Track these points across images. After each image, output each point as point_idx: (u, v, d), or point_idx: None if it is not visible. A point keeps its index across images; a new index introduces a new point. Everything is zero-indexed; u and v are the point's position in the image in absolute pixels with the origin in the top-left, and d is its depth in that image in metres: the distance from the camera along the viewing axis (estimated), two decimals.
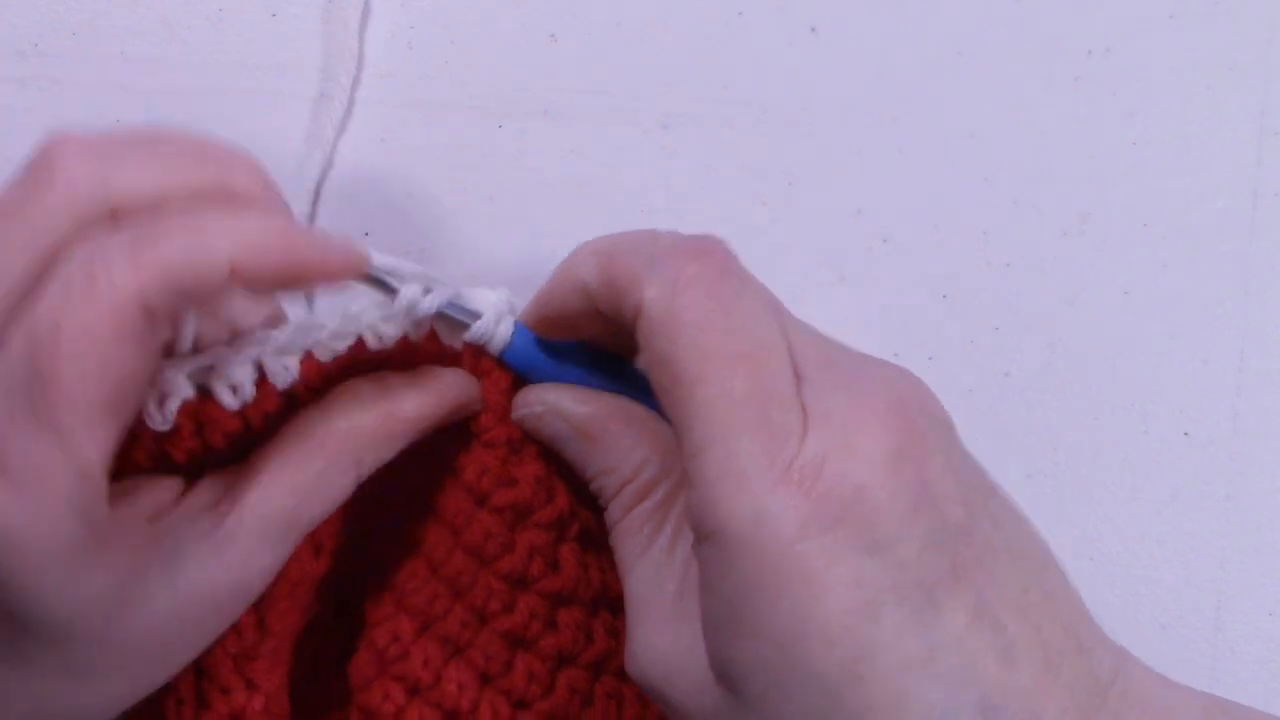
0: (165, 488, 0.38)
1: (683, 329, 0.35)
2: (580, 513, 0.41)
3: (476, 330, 0.40)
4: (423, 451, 0.42)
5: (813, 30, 0.52)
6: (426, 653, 0.41)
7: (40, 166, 0.34)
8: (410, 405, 0.40)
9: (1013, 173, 0.52)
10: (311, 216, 0.49)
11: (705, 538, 0.34)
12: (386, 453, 0.39)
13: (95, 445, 0.32)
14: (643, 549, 0.38)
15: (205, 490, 0.38)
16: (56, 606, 0.33)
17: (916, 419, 0.34)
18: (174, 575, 0.36)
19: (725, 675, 0.34)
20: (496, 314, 0.40)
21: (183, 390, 0.38)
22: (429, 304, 0.39)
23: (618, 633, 0.41)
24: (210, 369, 0.38)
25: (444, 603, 0.41)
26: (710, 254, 0.36)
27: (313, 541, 0.41)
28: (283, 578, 0.40)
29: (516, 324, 0.40)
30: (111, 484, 0.34)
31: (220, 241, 0.33)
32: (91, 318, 0.32)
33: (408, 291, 0.39)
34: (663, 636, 0.36)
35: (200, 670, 0.40)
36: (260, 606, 0.40)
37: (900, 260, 0.51)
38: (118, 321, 0.32)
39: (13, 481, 0.32)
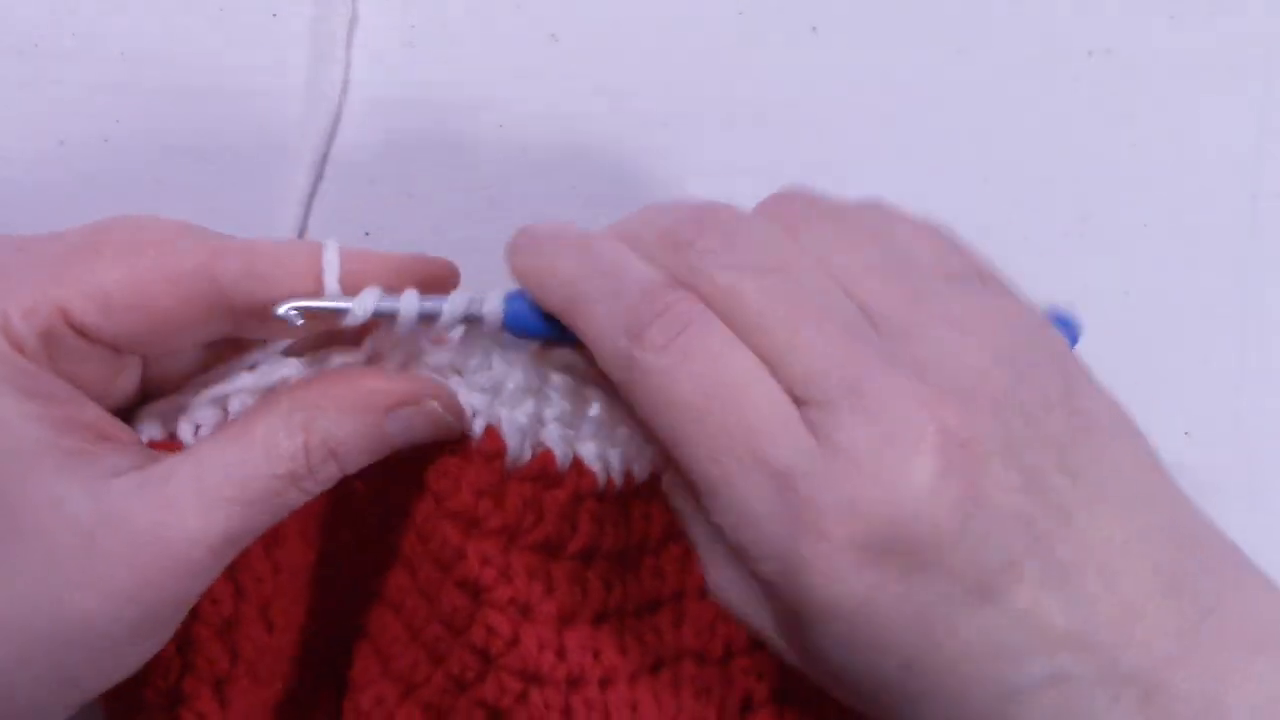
0: (121, 428, 0.38)
1: (646, 398, 0.35)
2: (559, 591, 0.40)
3: (467, 308, 0.38)
4: (397, 506, 0.41)
5: (813, 30, 0.52)
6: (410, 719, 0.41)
7: None
8: (371, 379, 0.38)
9: (1013, 173, 0.52)
10: (303, 227, 0.49)
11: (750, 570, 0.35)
12: (344, 428, 0.37)
13: (69, 303, 0.36)
14: (694, 503, 0.37)
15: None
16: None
17: (964, 427, 0.33)
18: (102, 488, 0.35)
19: (793, 648, 0.36)
20: (466, 299, 0.38)
21: (149, 432, 0.39)
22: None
23: (604, 708, 0.40)
24: (180, 410, 0.39)
25: (424, 670, 0.41)
26: (667, 308, 0.35)
27: (264, 618, 0.41)
28: (239, 657, 0.40)
29: (508, 295, 0.38)
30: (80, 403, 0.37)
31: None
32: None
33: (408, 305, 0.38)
34: (730, 574, 0.36)
35: None
36: (220, 686, 0.40)
37: None
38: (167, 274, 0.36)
39: None
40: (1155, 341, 0.52)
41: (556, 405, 0.41)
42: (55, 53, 0.50)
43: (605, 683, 0.40)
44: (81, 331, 0.36)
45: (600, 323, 0.35)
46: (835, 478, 0.33)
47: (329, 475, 0.38)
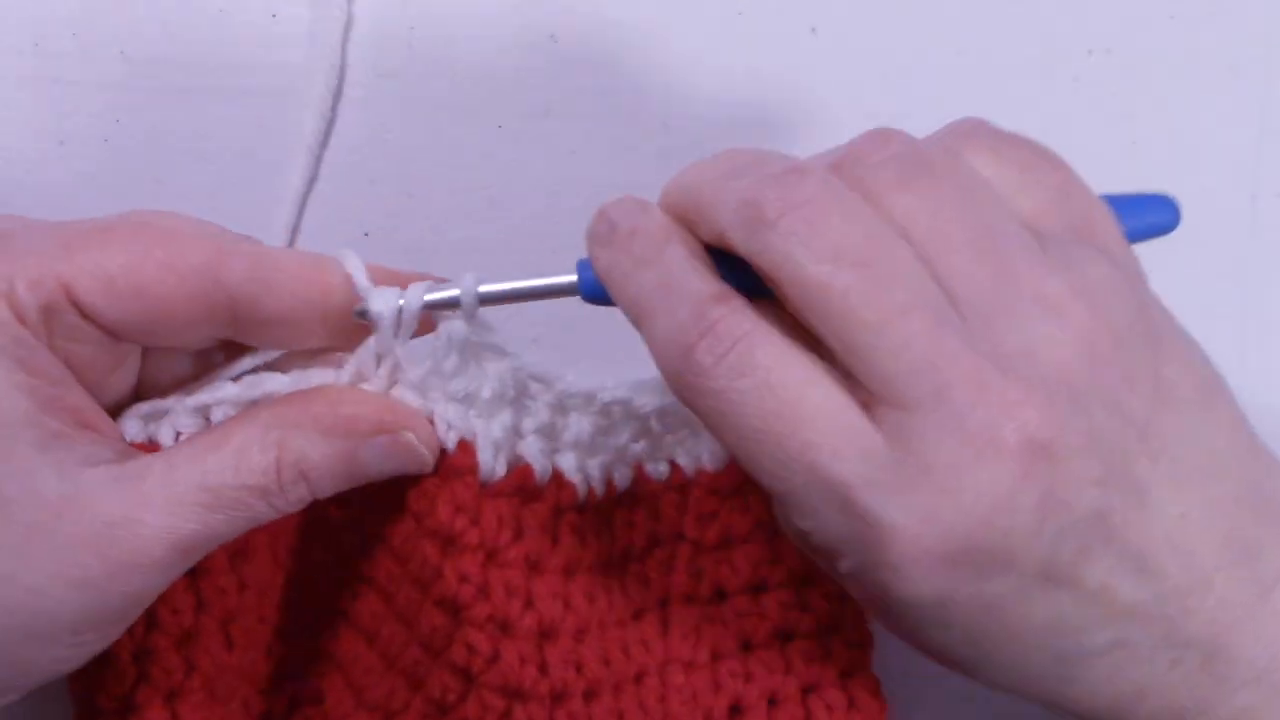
0: (104, 420, 0.38)
1: (704, 418, 0.35)
2: (539, 607, 0.40)
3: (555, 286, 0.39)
4: (369, 532, 0.41)
5: (813, 30, 0.52)
6: None
7: None
8: (351, 404, 0.38)
9: None
10: (294, 230, 0.49)
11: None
12: (317, 450, 0.37)
13: (74, 279, 0.36)
14: None
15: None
16: None
17: (1046, 427, 0.33)
18: (75, 472, 0.35)
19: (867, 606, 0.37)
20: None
21: (130, 432, 0.39)
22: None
23: None
24: (163, 414, 0.39)
25: (403, 696, 0.41)
26: (712, 327, 0.34)
27: (224, 632, 0.41)
28: (196, 670, 0.40)
29: (580, 262, 0.38)
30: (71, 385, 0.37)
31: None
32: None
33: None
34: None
35: None
36: (173, 699, 0.40)
37: None
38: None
39: None
40: None
41: (536, 416, 0.41)
42: (55, 52, 0.50)
43: (589, 695, 0.40)
44: (83, 311, 0.36)
45: (658, 339, 0.35)
46: (909, 488, 0.33)
47: (299, 496, 0.38)
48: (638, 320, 0.36)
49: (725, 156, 0.37)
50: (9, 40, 0.49)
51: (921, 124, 0.51)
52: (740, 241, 0.35)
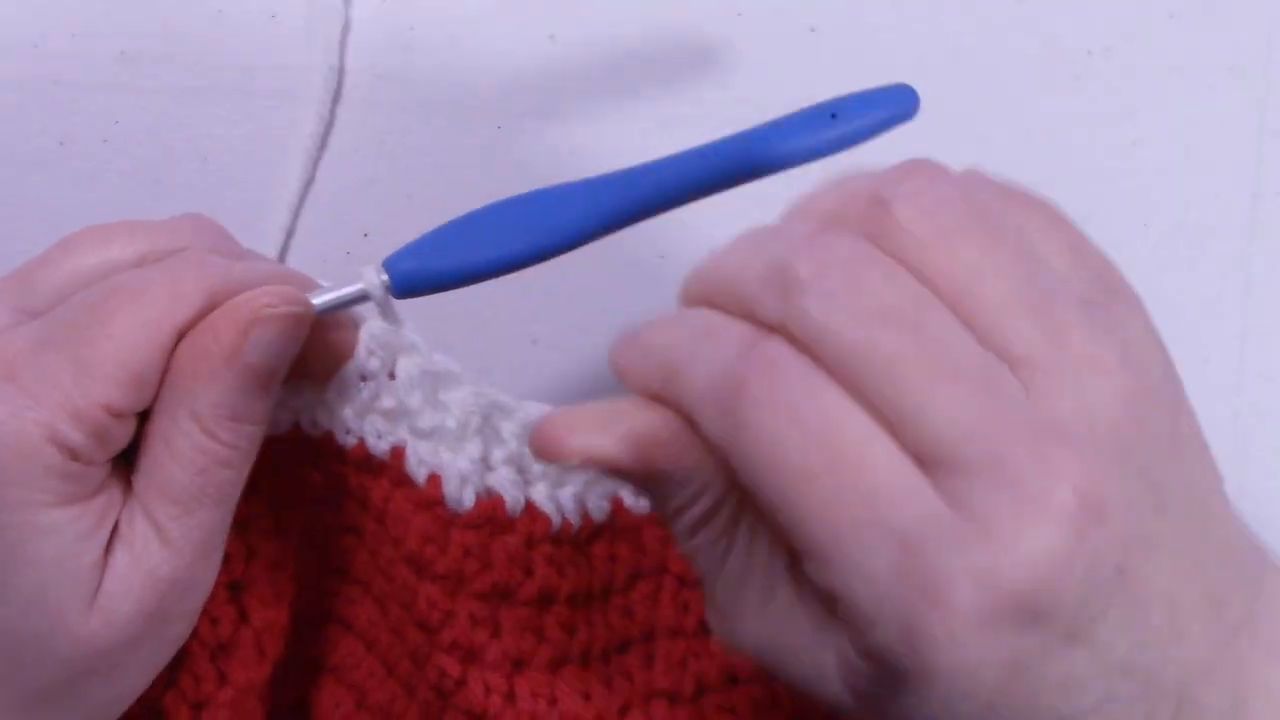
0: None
1: (750, 459, 0.32)
2: (506, 639, 0.40)
3: (369, 295, 0.39)
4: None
5: (813, 30, 0.52)
6: None
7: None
8: (205, 335, 0.36)
9: (1013, 172, 0.52)
10: (292, 231, 0.49)
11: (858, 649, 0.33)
12: (209, 394, 0.36)
13: (109, 395, 0.35)
14: (719, 563, 0.35)
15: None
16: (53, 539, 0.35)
17: (1095, 493, 0.32)
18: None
19: (856, 700, 0.34)
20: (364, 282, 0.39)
21: None
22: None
23: None
24: None
25: (402, 703, 0.41)
26: (770, 366, 0.32)
27: (258, 644, 0.41)
28: (228, 683, 0.41)
29: (383, 264, 0.38)
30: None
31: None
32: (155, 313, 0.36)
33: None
34: (762, 627, 0.35)
35: None
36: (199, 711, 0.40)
37: None
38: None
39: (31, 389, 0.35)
40: None
41: (506, 446, 0.40)
42: (55, 53, 0.50)
43: None
44: (122, 414, 0.36)
45: (699, 385, 0.33)
46: (969, 547, 0.31)
47: (233, 435, 0.37)
48: (673, 376, 0.34)
49: (742, 237, 0.35)
50: (9, 40, 0.49)
51: (922, 124, 0.51)
52: (772, 310, 0.33)
